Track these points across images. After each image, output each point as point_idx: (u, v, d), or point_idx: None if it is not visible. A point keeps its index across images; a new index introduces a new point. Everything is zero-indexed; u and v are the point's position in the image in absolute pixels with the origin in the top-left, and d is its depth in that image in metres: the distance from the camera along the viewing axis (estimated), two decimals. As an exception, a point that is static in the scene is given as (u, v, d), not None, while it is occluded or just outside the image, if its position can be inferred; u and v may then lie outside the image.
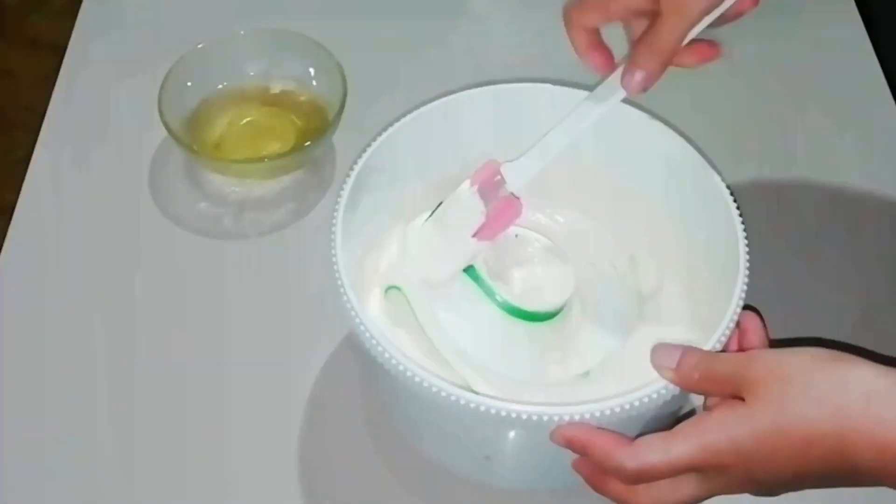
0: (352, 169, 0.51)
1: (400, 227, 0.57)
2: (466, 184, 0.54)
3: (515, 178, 0.54)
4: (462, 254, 0.54)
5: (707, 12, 0.50)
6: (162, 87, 0.66)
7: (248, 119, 0.70)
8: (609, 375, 0.52)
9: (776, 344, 0.46)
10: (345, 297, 0.47)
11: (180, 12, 0.78)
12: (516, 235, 0.57)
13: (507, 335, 0.54)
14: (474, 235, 0.54)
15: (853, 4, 0.78)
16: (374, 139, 0.53)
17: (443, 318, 0.54)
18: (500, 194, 0.54)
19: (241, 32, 0.71)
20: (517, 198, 0.54)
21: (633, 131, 0.55)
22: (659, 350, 0.46)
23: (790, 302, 0.62)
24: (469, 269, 0.55)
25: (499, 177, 0.54)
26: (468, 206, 0.54)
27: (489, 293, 0.54)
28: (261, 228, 0.66)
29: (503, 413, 0.44)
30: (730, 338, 0.47)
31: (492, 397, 0.45)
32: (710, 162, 0.53)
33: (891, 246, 0.66)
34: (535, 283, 0.55)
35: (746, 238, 0.49)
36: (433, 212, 0.55)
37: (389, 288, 0.55)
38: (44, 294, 0.63)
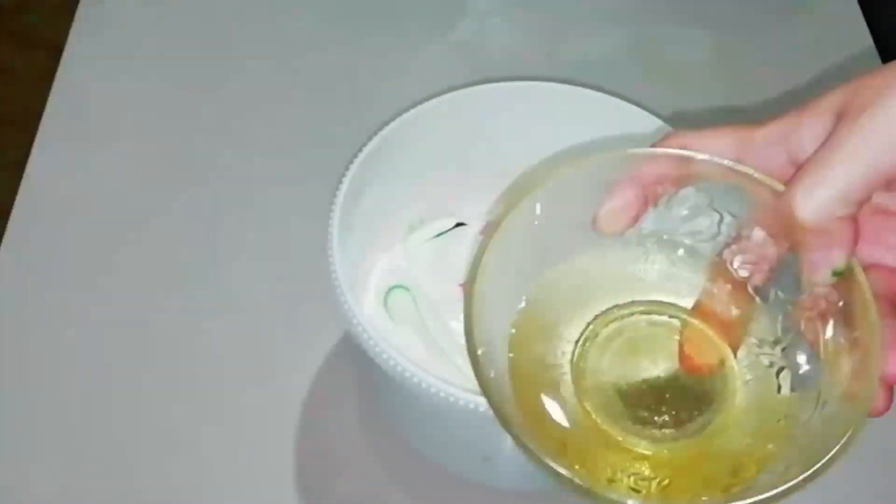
0: (349, 167, 0.51)
1: (400, 225, 0.57)
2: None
3: None
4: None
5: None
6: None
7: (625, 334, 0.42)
8: None
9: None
10: (342, 298, 0.47)
11: (179, 12, 0.78)
12: None
13: None
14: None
15: (856, 3, 0.78)
16: (372, 137, 0.53)
17: (450, 318, 0.54)
18: None
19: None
20: None
21: (632, 131, 0.55)
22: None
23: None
24: None
25: None
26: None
27: None
28: (260, 225, 0.66)
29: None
30: None
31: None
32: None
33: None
34: None
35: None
36: (443, 232, 0.55)
37: (394, 287, 0.55)
38: (41, 295, 0.63)
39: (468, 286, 0.38)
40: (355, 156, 0.52)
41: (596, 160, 0.40)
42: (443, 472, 0.55)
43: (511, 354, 0.39)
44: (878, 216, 0.38)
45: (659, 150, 0.39)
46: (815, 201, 0.35)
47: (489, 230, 0.39)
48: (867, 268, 0.37)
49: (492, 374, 0.37)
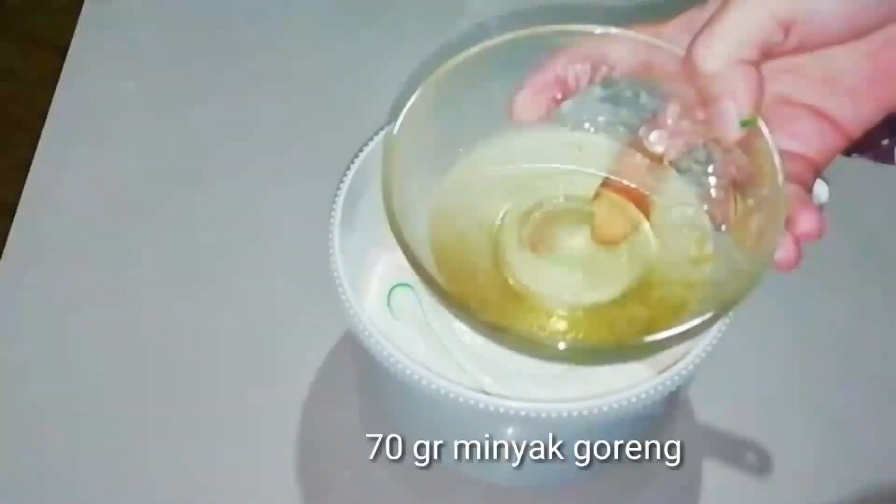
0: (350, 166, 0.51)
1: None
2: None
3: None
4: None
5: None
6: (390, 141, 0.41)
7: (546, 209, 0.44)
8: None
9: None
10: (343, 296, 0.47)
11: (183, 13, 0.78)
12: None
13: None
14: None
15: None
16: (373, 136, 0.53)
17: (453, 318, 0.54)
18: None
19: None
20: None
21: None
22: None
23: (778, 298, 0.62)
24: None
25: None
26: None
27: None
28: (261, 225, 0.66)
29: (502, 410, 0.44)
30: None
31: (490, 395, 0.45)
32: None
33: (889, 242, 0.66)
34: None
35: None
36: None
37: (397, 285, 0.55)
38: (44, 295, 0.63)
39: (385, 167, 0.40)
40: (356, 155, 0.52)
41: (505, 41, 0.41)
42: (443, 469, 0.55)
43: (432, 228, 0.41)
44: (781, 106, 0.39)
45: (569, 26, 0.41)
46: (713, 49, 0.36)
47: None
48: None
49: (413, 237, 0.38)
